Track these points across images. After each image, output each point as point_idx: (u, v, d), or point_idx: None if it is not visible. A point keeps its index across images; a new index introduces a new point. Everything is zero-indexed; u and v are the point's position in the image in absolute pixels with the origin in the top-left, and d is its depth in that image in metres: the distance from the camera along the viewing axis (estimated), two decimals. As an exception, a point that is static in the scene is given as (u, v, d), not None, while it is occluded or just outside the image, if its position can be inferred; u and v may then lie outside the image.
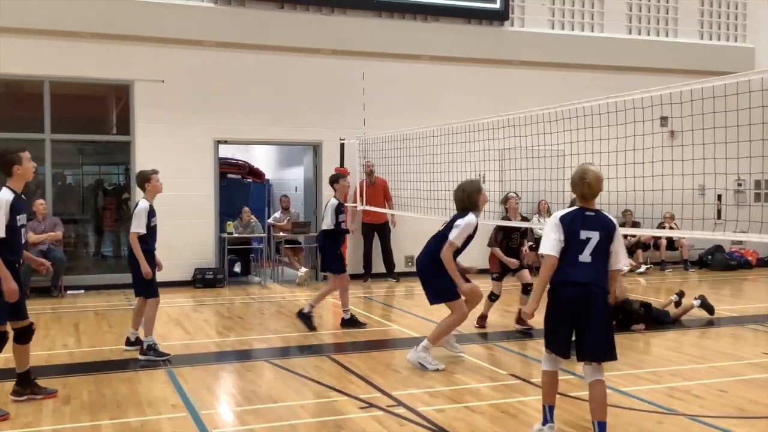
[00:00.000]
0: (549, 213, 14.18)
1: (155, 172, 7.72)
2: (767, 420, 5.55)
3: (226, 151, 14.42)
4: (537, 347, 7.96)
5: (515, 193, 9.40)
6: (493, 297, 8.97)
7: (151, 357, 7.39)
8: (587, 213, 4.82)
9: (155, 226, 7.58)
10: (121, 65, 12.46)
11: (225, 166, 14.64)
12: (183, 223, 12.32)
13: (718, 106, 7.31)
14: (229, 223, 13.27)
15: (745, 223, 7.84)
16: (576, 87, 13.82)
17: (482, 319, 8.95)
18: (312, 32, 13.34)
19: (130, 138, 12.65)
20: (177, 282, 12.36)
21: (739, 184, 14.71)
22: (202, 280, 12.67)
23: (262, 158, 17.78)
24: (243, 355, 7.84)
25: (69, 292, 11.96)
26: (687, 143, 7.58)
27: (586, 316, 4.71)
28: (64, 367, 7.23)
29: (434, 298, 7.23)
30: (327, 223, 9.08)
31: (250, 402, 6.05)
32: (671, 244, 15.31)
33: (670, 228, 13.48)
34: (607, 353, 4.76)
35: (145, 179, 7.62)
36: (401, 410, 5.73)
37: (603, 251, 4.76)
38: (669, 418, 5.58)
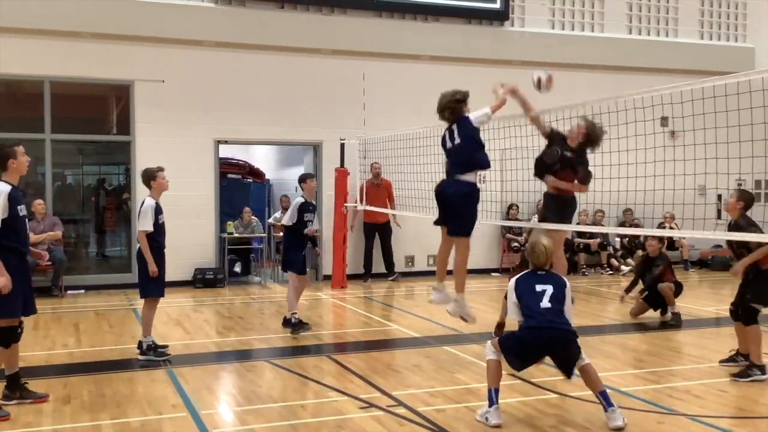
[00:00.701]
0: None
1: (161, 169, 7.73)
2: (767, 420, 5.54)
3: (226, 151, 14.42)
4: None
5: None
6: None
7: (152, 357, 7.39)
8: (539, 273, 5.64)
9: (163, 223, 7.59)
10: (121, 65, 12.46)
11: (225, 166, 14.64)
12: (183, 223, 12.29)
13: (719, 106, 7.31)
14: (229, 223, 13.27)
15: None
16: (576, 87, 13.79)
17: (500, 328, 8.43)
18: (312, 32, 13.34)
19: (131, 138, 12.65)
20: (177, 282, 12.35)
21: (739, 184, 14.65)
22: (202, 280, 12.67)
23: (262, 158, 17.78)
24: (243, 355, 7.84)
25: (69, 292, 11.95)
26: (687, 143, 7.58)
27: (561, 352, 5.44)
28: (64, 367, 7.23)
29: (463, 229, 7.10)
30: (286, 219, 8.99)
31: (250, 402, 6.05)
32: (672, 244, 15.30)
33: (671, 228, 13.47)
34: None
35: (151, 177, 7.64)
36: (401, 410, 5.73)
37: (560, 299, 5.50)
38: (669, 418, 5.57)
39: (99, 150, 14.11)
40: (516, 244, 14.28)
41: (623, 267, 14.64)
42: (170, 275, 12.68)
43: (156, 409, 5.82)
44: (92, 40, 12.27)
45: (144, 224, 7.42)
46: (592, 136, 7.68)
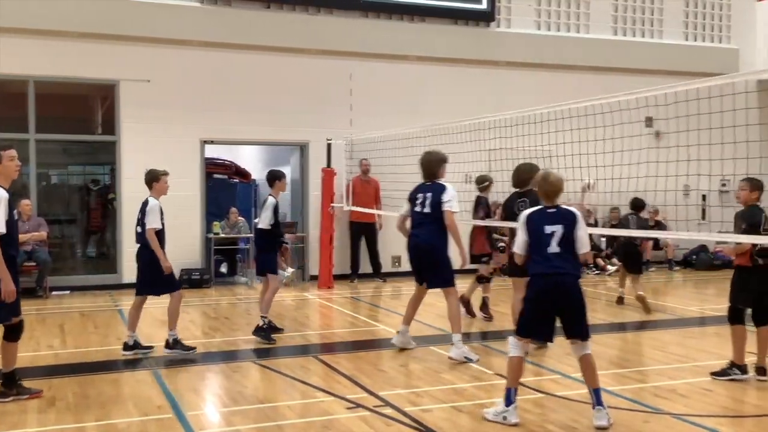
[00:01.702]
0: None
1: (166, 173, 7.80)
2: (752, 419, 5.60)
3: (212, 151, 14.37)
4: (523, 347, 7.99)
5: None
6: (483, 279, 9.21)
7: (179, 350, 7.59)
8: (549, 210, 5.51)
9: (163, 223, 7.71)
10: (107, 65, 12.37)
11: (211, 166, 14.57)
12: (169, 224, 12.03)
13: (703, 108, 7.37)
14: (215, 223, 13.22)
15: (729, 224, 7.92)
16: (562, 88, 13.88)
17: (485, 307, 9.39)
18: (298, 32, 13.32)
19: (116, 138, 12.57)
20: (163, 282, 12.30)
21: (723, 185, 14.80)
22: (188, 281, 12.60)
23: (248, 158, 17.71)
24: (229, 356, 7.81)
25: (54, 292, 11.85)
26: (672, 144, 7.64)
27: (565, 302, 5.40)
28: (49, 369, 7.17)
29: (442, 283, 7.56)
30: (265, 222, 8.41)
31: (236, 403, 6.03)
32: (656, 243, 15.38)
33: (656, 222, 13.50)
34: (587, 331, 5.50)
35: (155, 178, 7.72)
36: (388, 410, 5.73)
37: (568, 241, 5.41)
38: (655, 417, 5.61)
39: (84, 150, 14.03)
40: (502, 244, 14.28)
41: (609, 267, 14.70)
42: (156, 276, 12.63)
43: (142, 411, 5.80)
44: (77, 40, 12.18)
45: (153, 222, 7.53)
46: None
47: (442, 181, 7.63)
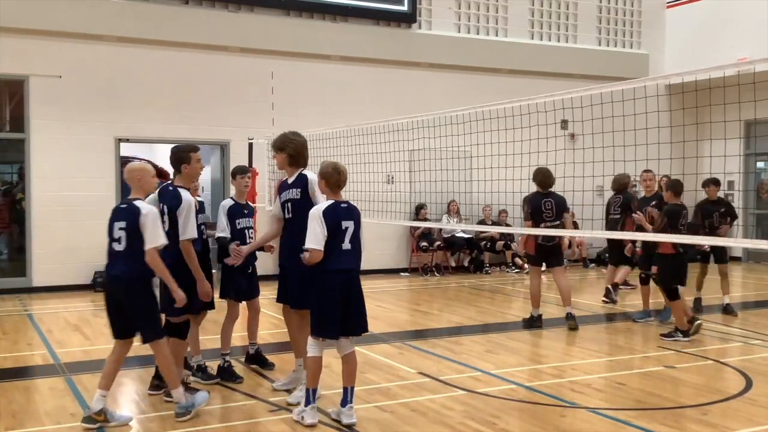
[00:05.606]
0: (458, 214, 14.42)
1: (242, 171, 7.24)
2: (663, 411, 5.81)
3: (129, 150, 13.98)
4: (446, 345, 8.09)
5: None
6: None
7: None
8: (342, 205, 5.41)
9: (243, 228, 6.95)
10: (15, 59, 11.86)
11: (128, 166, 14.15)
12: (82, 224, 11.84)
13: (616, 110, 7.63)
14: (132, 224, 12.82)
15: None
16: (481, 90, 14.13)
17: None
18: (218, 29, 13.10)
19: (25, 136, 12.08)
20: (75, 286, 11.93)
21: (634, 185, 15.36)
22: (102, 284, 12.21)
23: (167, 158, 17.31)
24: (146, 361, 7.58)
25: (-42, 297, 11.29)
26: (586, 145, 7.87)
27: (354, 295, 5.35)
28: (-46, 378, 6.83)
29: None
30: (220, 230, 7.00)
31: (155, 409, 5.87)
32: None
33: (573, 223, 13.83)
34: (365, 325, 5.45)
35: (231, 176, 7.18)
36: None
37: (358, 237, 5.40)
38: (571, 411, 5.77)
39: (-10, 148, 13.42)
40: (425, 244, 14.44)
41: (527, 265, 15.02)
42: (68, 278, 12.19)
43: (54, 419, 5.58)
44: (-17, 33, 11.65)
45: (221, 230, 6.89)
46: None
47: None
